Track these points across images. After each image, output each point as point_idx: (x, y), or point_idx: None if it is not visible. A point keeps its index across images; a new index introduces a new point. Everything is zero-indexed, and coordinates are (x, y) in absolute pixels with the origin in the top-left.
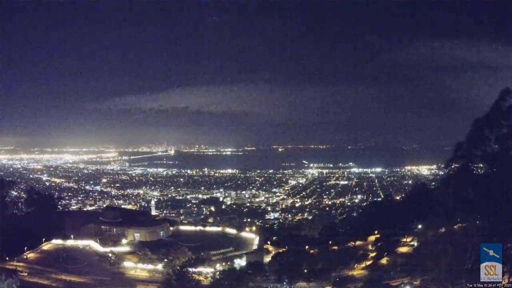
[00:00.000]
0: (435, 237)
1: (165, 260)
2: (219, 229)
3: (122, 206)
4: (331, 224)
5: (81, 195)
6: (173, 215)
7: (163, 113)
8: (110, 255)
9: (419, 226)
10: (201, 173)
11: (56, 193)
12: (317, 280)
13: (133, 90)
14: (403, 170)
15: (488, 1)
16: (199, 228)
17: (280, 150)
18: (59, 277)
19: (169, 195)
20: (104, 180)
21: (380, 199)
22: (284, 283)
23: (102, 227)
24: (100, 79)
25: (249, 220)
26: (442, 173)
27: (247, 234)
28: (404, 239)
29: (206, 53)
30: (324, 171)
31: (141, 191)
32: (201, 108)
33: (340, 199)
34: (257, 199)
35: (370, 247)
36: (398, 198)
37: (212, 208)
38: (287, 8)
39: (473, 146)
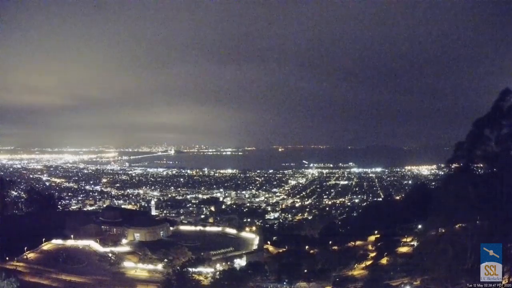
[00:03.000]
0: (435, 237)
1: (165, 260)
2: (219, 229)
3: (122, 206)
4: (331, 224)
5: (81, 195)
6: (173, 215)
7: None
8: (110, 255)
9: (419, 226)
10: (201, 173)
11: (56, 193)
12: (317, 280)
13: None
14: (403, 170)
15: None
16: (199, 228)
17: (280, 150)
18: (59, 277)
19: (169, 195)
20: (104, 180)
21: (380, 199)
22: (284, 283)
23: (102, 227)
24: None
25: (249, 220)
26: (442, 173)
27: (247, 234)
28: (404, 239)
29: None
30: (324, 171)
31: (141, 191)
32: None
33: (340, 199)
34: (257, 199)
35: (370, 247)
36: (398, 198)
37: (212, 208)
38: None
39: (473, 146)
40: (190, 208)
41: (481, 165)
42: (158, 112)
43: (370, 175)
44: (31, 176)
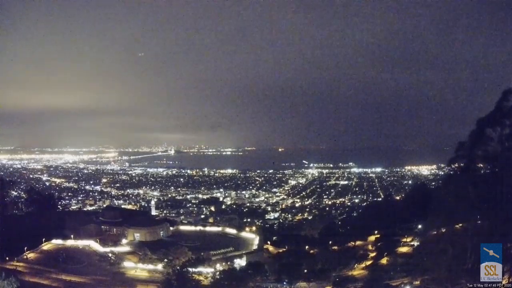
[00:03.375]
0: (435, 237)
1: (165, 260)
2: (219, 229)
3: (122, 206)
4: (331, 224)
5: (81, 195)
6: (173, 215)
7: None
8: (110, 255)
9: (419, 226)
10: (201, 173)
11: (56, 193)
12: (317, 280)
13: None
14: (403, 170)
15: None
16: (199, 228)
17: (280, 150)
18: (59, 277)
19: (169, 195)
20: (104, 180)
21: (380, 199)
22: (284, 283)
23: (102, 227)
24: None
25: (249, 220)
26: (442, 173)
27: (247, 234)
28: (404, 239)
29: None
30: (324, 171)
31: (141, 191)
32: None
33: (340, 199)
34: (257, 199)
35: (370, 247)
36: (398, 198)
37: (212, 208)
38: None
39: (474, 146)
40: (190, 208)
41: (482, 165)
42: (158, 112)
43: (370, 175)
44: (31, 176)
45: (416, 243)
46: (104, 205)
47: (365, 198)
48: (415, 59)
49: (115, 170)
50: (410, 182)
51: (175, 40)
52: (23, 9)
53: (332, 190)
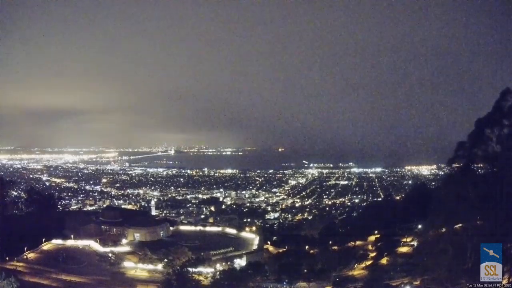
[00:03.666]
0: (435, 237)
1: (165, 260)
2: (219, 229)
3: (122, 206)
4: (331, 224)
5: (81, 195)
6: (173, 215)
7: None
8: (110, 255)
9: (419, 226)
10: (201, 173)
11: (56, 193)
12: (317, 280)
13: None
14: (403, 170)
15: None
16: (199, 228)
17: (280, 150)
18: (59, 277)
19: (169, 195)
20: (104, 180)
21: (380, 199)
22: (284, 283)
23: (102, 227)
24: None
25: (249, 220)
26: (442, 173)
27: (247, 234)
28: (404, 239)
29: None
30: (324, 171)
31: (141, 191)
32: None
33: (340, 199)
34: (257, 199)
35: (370, 247)
36: (398, 198)
37: (212, 208)
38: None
39: (474, 146)
40: (190, 208)
41: (482, 165)
42: (158, 112)
43: (370, 175)
44: (31, 176)
45: (416, 243)
46: (104, 205)
47: (365, 198)
48: (415, 58)
49: (115, 170)
50: (410, 182)
51: (175, 40)
52: (23, 9)
53: (332, 190)
